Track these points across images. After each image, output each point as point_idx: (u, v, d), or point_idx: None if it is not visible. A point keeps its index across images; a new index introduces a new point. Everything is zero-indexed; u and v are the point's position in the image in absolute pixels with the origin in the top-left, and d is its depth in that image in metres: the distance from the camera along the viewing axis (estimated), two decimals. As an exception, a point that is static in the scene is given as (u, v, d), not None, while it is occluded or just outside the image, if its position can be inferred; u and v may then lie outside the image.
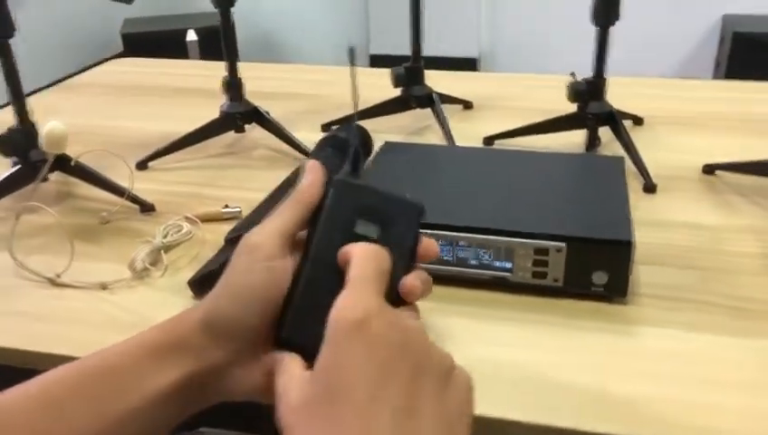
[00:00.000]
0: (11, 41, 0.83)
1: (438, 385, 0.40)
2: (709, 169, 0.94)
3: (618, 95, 1.00)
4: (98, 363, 0.47)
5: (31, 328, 0.69)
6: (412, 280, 0.47)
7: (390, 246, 0.46)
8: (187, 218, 0.84)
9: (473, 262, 0.70)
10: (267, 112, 1.05)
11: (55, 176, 0.96)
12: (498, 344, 0.64)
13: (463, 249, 0.70)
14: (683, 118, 1.16)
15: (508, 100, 1.27)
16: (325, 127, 1.11)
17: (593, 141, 0.98)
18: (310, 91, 1.35)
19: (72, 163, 0.85)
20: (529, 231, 0.67)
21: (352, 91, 0.77)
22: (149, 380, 0.46)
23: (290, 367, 0.44)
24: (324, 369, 0.39)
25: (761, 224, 0.82)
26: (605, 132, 1.01)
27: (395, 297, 0.46)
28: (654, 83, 1.36)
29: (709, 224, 0.83)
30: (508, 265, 0.69)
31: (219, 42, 0.99)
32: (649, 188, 0.90)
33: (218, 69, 1.04)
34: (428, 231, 0.69)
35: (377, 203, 0.49)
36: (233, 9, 0.97)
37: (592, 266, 0.67)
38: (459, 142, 1.04)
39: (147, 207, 0.88)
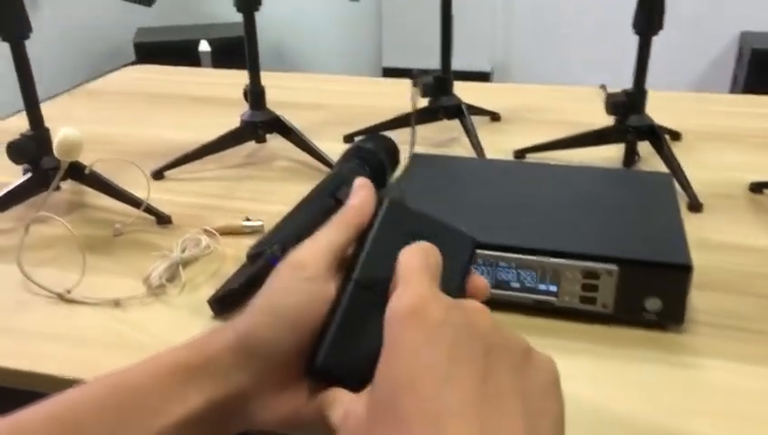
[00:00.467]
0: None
1: (516, 365, 0.35)
2: (756, 188, 0.89)
3: (650, 111, 0.95)
4: (120, 383, 0.43)
5: (37, 348, 0.64)
6: (477, 277, 0.44)
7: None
8: (206, 232, 0.80)
9: (515, 284, 0.65)
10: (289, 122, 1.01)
11: (68, 185, 0.91)
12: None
13: (504, 270, 0.65)
14: (721, 133, 1.11)
15: (536, 112, 1.22)
16: (348, 138, 1.07)
17: (632, 157, 0.93)
18: (329, 101, 1.31)
19: (87, 172, 0.80)
20: (577, 252, 0.62)
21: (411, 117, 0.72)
22: (175, 403, 0.42)
23: (340, 394, 0.40)
24: (383, 370, 0.35)
25: (817, 247, 0.77)
26: (642, 147, 0.96)
27: None
28: (686, 97, 1.31)
29: (762, 246, 0.77)
30: (553, 288, 0.64)
31: (231, 52, 0.96)
32: (695, 206, 0.85)
33: (235, 77, 1.00)
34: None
35: (428, 229, 0.44)
36: (256, 14, 0.93)
37: (646, 292, 0.62)
38: (489, 156, 1.00)
39: (163, 220, 0.83)
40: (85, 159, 0.82)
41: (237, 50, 0.97)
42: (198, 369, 0.43)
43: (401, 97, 1.05)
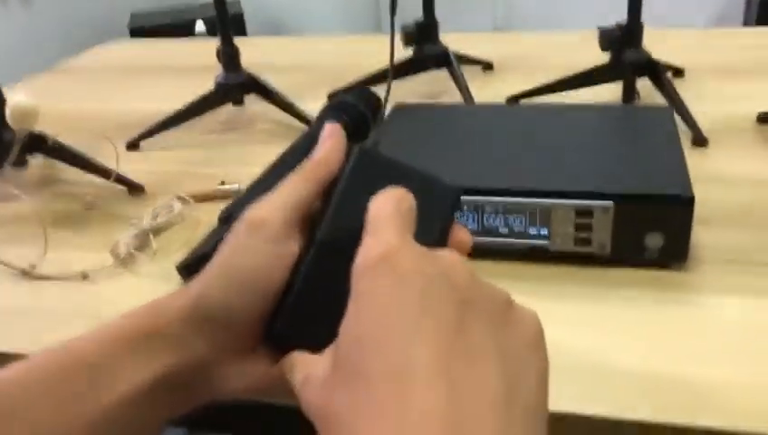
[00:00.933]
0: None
1: (493, 321, 0.30)
2: (765, 118, 0.83)
3: (651, 48, 0.89)
4: (62, 358, 0.40)
5: (1, 326, 0.60)
6: (460, 228, 0.40)
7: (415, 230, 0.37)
8: (180, 198, 0.75)
9: (503, 230, 0.60)
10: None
11: (38, 161, 0.87)
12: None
13: (490, 216, 0.60)
14: (727, 67, 1.05)
15: (532, 59, 1.16)
16: (332, 96, 1.02)
17: (631, 94, 0.88)
18: (314, 62, 1.26)
19: (50, 143, 0.76)
20: (568, 189, 0.57)
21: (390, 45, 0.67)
22: (123, 376, 0.38)
23: (302, 357, 0.36)
24: (347, 326, 0.31)
25: (833, 174, 0.72)
26: (643, 85, 0.90)
27: None
28: (689, 34, 1.25)
29: (772, 177, 0.72)
30: (545, 231, 0.59)
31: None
32: (700, 141, 0.79)
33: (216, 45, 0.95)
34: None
35: (404, 180, 0.39)
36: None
37: (645, 228, 0.57)
38: (480, 104, 0.95)
39: (136, 189, 0.79)
40: (60, 136, 0.79)
41: (234, 26, 0.93)
42: (150, 337, 0.39)
43: (395, 54, 1.00)
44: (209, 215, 0.73)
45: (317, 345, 0.36)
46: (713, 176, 0.72)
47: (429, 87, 1.04)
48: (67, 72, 1.35)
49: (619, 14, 0.87)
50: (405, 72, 0.99)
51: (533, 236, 0.59)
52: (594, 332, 0.53)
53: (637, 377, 0.48)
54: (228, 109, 0.99)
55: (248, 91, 0.94)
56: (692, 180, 0.58)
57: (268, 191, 0.42)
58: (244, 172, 0.79)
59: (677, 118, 0.81)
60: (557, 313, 0.54)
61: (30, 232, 0.72)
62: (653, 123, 0.70)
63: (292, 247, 0.39)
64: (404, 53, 1.00)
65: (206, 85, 0.95)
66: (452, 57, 0.97)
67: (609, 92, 0.92)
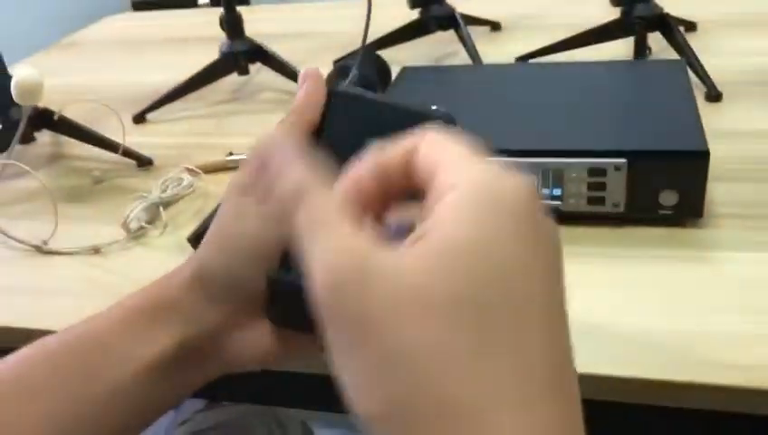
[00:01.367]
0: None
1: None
2: (781, 70, 0.82)
3: (663, 3, 0.87)
4: (76, 337, 0.40)
5: (15, 302, 0.61)
6: None
7: None
8: (189, 170, 0.75)
9: (515, 192, 0.59)
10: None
11: (46, 137, 0.87)
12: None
13: (502, 177, 0.59)
14: (741, 20, 1.02)
15: (541, 18, 1.14)
16: (338, 62, 1.00)
17: (642, 50, 0.86)
18: (319, 29, 1.24)
19: (56, 117, 0.75)
20: (580, 148, 0.57)
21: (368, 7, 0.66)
22: (135, 351, 0.39)
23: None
24: (458, 244, 0.24)
25: None
26: (655, 41, 0.88)
27: None
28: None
29: (788, 130, 0.71)
30: (557, 191, 0.58)
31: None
32: (714, 96, 0.77)
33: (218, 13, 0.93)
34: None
35: (389, 117, 0.37)
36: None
37: (659, 185, 0.56)
38: (488, 65, 0.93)
39: (144, 162, 0.79)
40: (66, 112, 0.78)
41: None
42: (159, 311, 0.39)
43: (402, 19, 0.98)
44: (219, 186, 0.73)
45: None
46: (727, 131, 0.71)
47: (437, 49, 1.02)
48: (71, 46, 1.34)
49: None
50: (412, 34, 0.97)
51: (546, 197, 0.59)
52: (609, 291, 0.52)
53: (653, 335, 0.47)
54: (234, 78, 0.98)
55: (253, 60, 0.93)
56: (706, 135, 0.57)
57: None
58: (252, 142, 0.79)
59: (690, 73, 0.79)
60: (571, 274, 0.54)
61: (40, 208, 0.72)
62: (665, 78, 0.69)
63: None
64: (410, 15, 0.98)
65: (210, 56, 0.94)
66: (459, 18, 0.95)
67: (621, 49, 0.91)
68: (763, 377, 0.43)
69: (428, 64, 0.97)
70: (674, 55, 0.84)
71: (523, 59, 0.92)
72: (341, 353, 0.25)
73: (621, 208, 0.57)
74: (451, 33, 0.98)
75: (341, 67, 0.80)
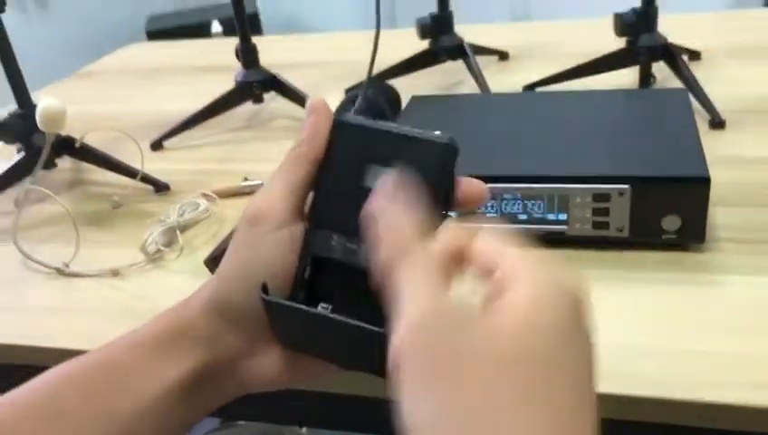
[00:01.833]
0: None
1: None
2: (783, 98, 0.83)
3: (668, 33, 0.89)
4: (99, 361, 0.42)
5: (38, 323, 0.63)
6: (468, 181, 0.39)
7: None
8: (205, 195, 0.77)
9: (522, 217, 0.61)
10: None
11: (67, 163, 0.90)
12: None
13: (509, 202, 0.61)
14: (743, 50, 1.05)
15: (547, 47, 1.16)
16: (350, 90, 1.03)
17: (647, 79, 0.88)
18: (331, 58, 1.27)
19: (77, 145, 0.78)
20: (585, 174, 0.58)
21: (375, 38, 0.68)
22: (156, 376, 0.40)
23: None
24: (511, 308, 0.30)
25: None
26: (660, 70, 0.91)
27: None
28: (706, 18, 1.24)
29: (790, 157, 0.72)
30: (563, 216, 0.60)
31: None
32: (717, 123, 0.79)
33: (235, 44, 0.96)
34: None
35: (391, 144, 0.38)
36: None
37: (662, 210, 0.57)
38: (496, 94, 0.95)
39: (161, 187, 0.81)
40: (87, 139, 0.81)
41: (250, 26, 0.94)
42: (177, 337, 0.41)
43: (411, 48, 1.01)
44: (234, 210, 0.75)
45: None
46: (730, 157, 0.73)
47: (446, 78, 1.05)
48: (89, 76, 1.38)
49: (635, 1, 0.87)
50: (421, 64, 1.00)
51: (552, 222, 0.60)
52: (614, 314, 0.53)
53: (657, 356, 0.49)
54: (248, 107, 1.01)
55: (267, 89, 0.96)
56: (709, 162, 0.58)
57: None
58: (266, 168, 0.81)
59: (694, 101, 0.81)
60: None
61: (62, 232, 0.74)
62: (669, 106, 0.70)
63: (294, 231, 0.40)
64: (416, 47, 1.01)
65: (225, 84, 0.97)
66: (467, 48, 0.98)
67: (627, 77, 0.93)
68: (765, 397, 0.44)
69: (438, 93, 1.00)
70: (678, 83, 0.86)
71: (531, 88, 0.95)
72: (414, 393, 0.29)
73: (626, 233, 0.59)
74: (460, 63, 1.01)
75: (352, 96, 0.82)
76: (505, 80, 1.02)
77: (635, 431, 0.49)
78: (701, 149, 0.60)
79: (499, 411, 0.28)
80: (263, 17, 2.99)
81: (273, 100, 1.02)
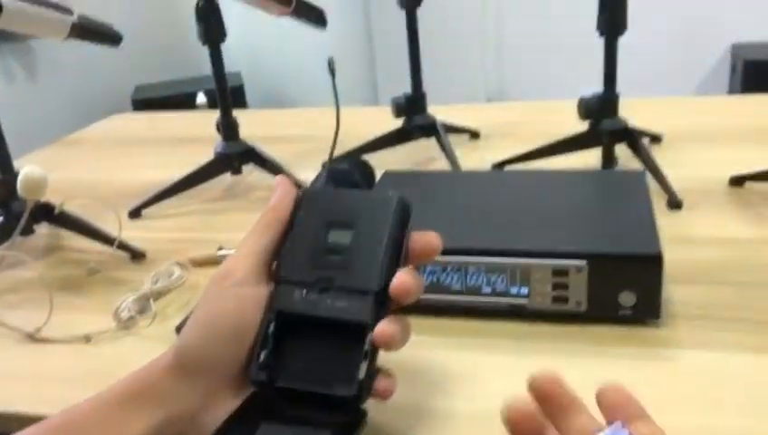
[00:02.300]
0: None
1: None
2: (737, 181, 0.88)
3: (633, 116, 0.94)
4: (61, 423, 0.43)
5: (6, 388, 0.63)
6: (402, 278, 0.42)
7: (362, 248, 0.42)
8: (179, 264, 0.79)
9: (486, 290, 0.63)
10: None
11: (44, 229, 0.91)
12: (517, 378, 0.57)
13: (473, 275, 0.63)
14: (703, 133, 1.10)
15: (517, 126, 1.21)
16: (326, 164, 1.06)
17: (610, 160, 0.92)
18: (313, 132, 1.30)
19: (56, 212, 0.80)
20: (544, 250, 0.61)
21: (335, 106, 0.72)
22: (119, 432, 0.41)
23: None
24: None
25: (800, 233, 0.75)
26: (621, 151, 0.95)
27: (382, 299, 0.41)
28: (667, 102, 1.31)
29: (742, 237, 0.76)
30: (524, 290, 0.62)
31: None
32: (675, 204, 0.83)
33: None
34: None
35: (348, 207, 0.45)
36: (223, 46, 0.93)
37: (619, 286, 0.60)
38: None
39: (137, 255, 0.83)
40: (66, 206, 0.83)
41: (234, 98, 0.98)
42: (139, 395, 0.43)
43: (393, 124, 1.05)
44: (207, 279, 0.76)
45: (297, 381, 0.40)
46: (686, 236, 0.76)
47: (419, 154, 1.09)
48: (73, 144, 1.41)
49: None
50: (396, 140, 1.04)
51: (514, 295, 0.63)
52: (572, 387, 0.55)
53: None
54: (227, 178, 1.04)
55: (246, 161, 0.99)
56: (666, 241, 0.61)
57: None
58: (242, 238, 0.83)
59: (654, 182, 0.85)
60: (536, 367, 0.57)
61: (36, 297, 0.75)
62: (627, 187, 0.74)
63: (259, 291, 0.44)
64: (394, 123, 1.05)
65: (205, 155, 1.00)
66: (439, 127, 1.02)
67: (591, 157, 0.97)
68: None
69: (410, 169, 1.04)
70: (639, 165, 0.90)
71: (500, 166, 0.99)
72: None
73: (584, 308, 0.61)
74: (433, 140, 1.05)
75: (328, 169, 0.85)
76: (476, 157, 1.06)
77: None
78: (655, 228, 0.63)
79: None
80: (247, 90, 3.06)
81: (251, 172, 1.05)
